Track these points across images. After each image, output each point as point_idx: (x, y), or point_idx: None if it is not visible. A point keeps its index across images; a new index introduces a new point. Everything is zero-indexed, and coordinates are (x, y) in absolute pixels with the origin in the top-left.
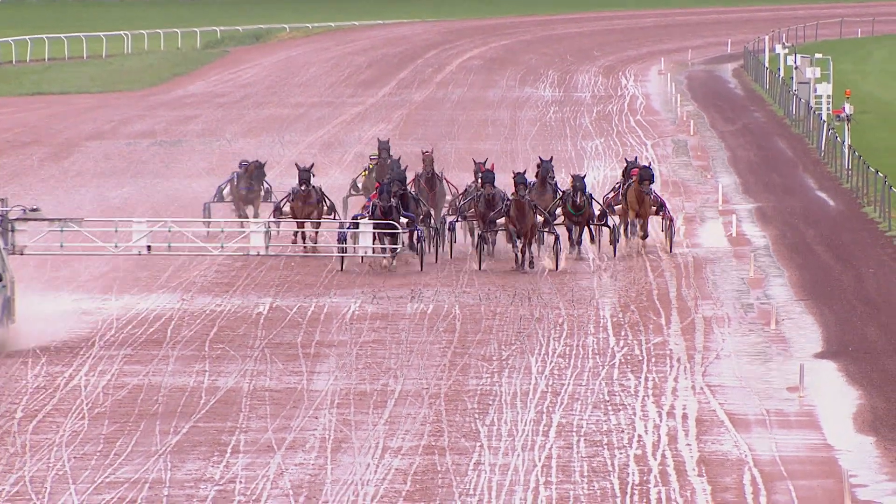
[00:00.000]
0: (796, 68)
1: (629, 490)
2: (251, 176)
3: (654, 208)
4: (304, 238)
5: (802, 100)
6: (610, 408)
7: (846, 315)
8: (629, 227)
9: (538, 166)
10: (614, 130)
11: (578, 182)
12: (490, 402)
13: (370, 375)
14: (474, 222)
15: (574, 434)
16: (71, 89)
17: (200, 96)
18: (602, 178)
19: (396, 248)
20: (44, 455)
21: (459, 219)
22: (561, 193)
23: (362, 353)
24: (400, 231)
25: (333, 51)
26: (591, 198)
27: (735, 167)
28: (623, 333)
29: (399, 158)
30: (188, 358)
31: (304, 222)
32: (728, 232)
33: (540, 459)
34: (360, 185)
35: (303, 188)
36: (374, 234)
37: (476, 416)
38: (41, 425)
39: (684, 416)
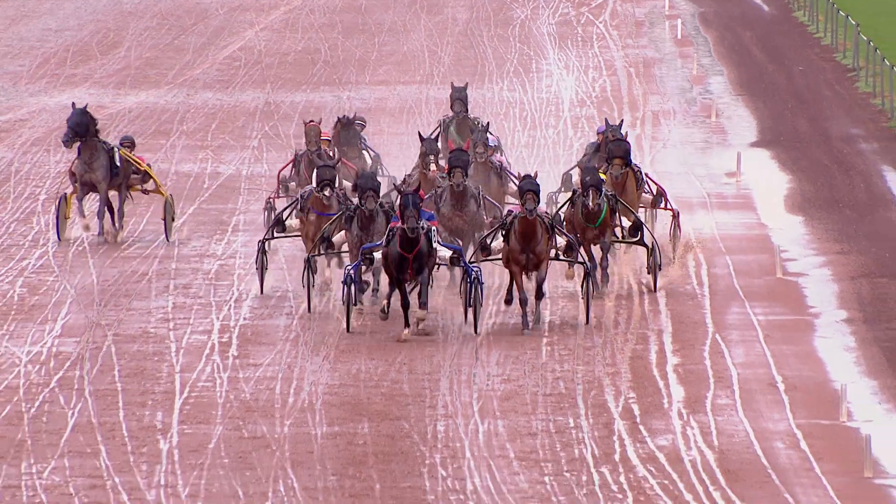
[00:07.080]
0: None
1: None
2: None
3: (649, 197)
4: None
5: None
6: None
7: (779, 109)
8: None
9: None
10: None
11: (590, 176)
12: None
13: None
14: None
15: None
16: None
17: None
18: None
19: (425, 302)
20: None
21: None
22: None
23: None
24: (430, 270)
25: None
26: (617, 200)
27: None
28: (580, 125)
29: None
30: (193, 147)
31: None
32: (674, 34)
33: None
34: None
35: (326, 194)
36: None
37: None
38: None
39: None
